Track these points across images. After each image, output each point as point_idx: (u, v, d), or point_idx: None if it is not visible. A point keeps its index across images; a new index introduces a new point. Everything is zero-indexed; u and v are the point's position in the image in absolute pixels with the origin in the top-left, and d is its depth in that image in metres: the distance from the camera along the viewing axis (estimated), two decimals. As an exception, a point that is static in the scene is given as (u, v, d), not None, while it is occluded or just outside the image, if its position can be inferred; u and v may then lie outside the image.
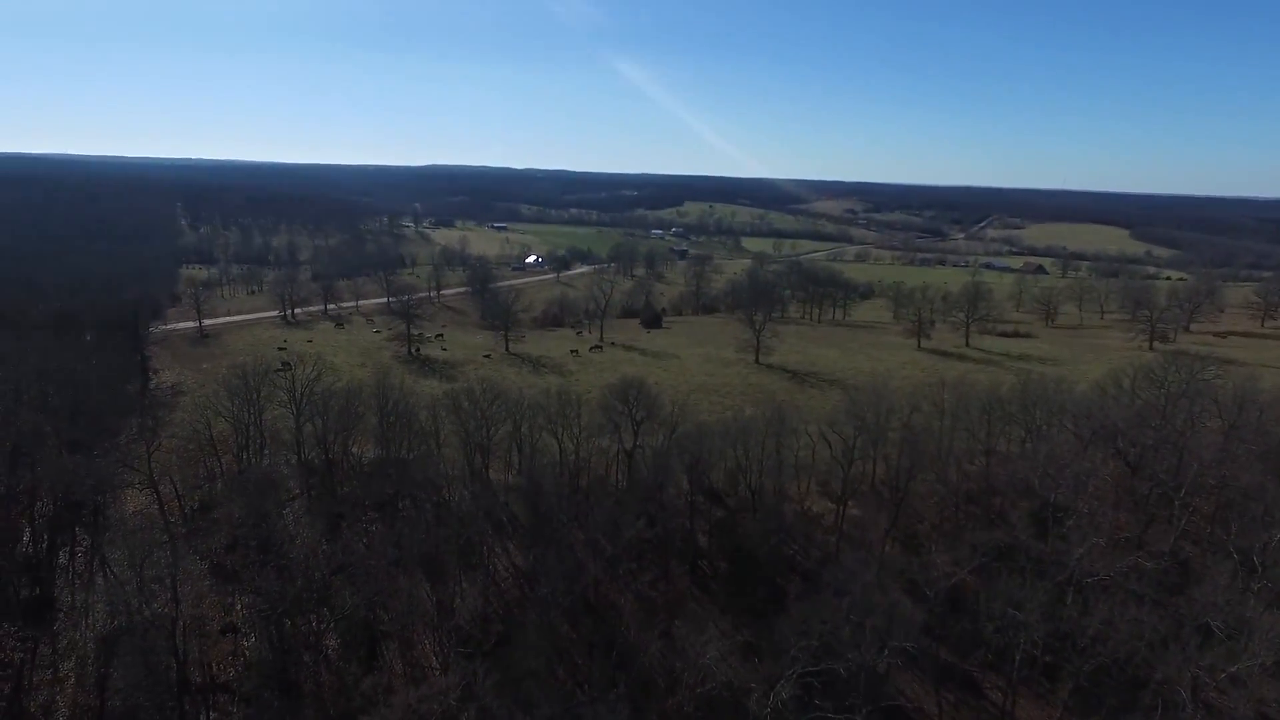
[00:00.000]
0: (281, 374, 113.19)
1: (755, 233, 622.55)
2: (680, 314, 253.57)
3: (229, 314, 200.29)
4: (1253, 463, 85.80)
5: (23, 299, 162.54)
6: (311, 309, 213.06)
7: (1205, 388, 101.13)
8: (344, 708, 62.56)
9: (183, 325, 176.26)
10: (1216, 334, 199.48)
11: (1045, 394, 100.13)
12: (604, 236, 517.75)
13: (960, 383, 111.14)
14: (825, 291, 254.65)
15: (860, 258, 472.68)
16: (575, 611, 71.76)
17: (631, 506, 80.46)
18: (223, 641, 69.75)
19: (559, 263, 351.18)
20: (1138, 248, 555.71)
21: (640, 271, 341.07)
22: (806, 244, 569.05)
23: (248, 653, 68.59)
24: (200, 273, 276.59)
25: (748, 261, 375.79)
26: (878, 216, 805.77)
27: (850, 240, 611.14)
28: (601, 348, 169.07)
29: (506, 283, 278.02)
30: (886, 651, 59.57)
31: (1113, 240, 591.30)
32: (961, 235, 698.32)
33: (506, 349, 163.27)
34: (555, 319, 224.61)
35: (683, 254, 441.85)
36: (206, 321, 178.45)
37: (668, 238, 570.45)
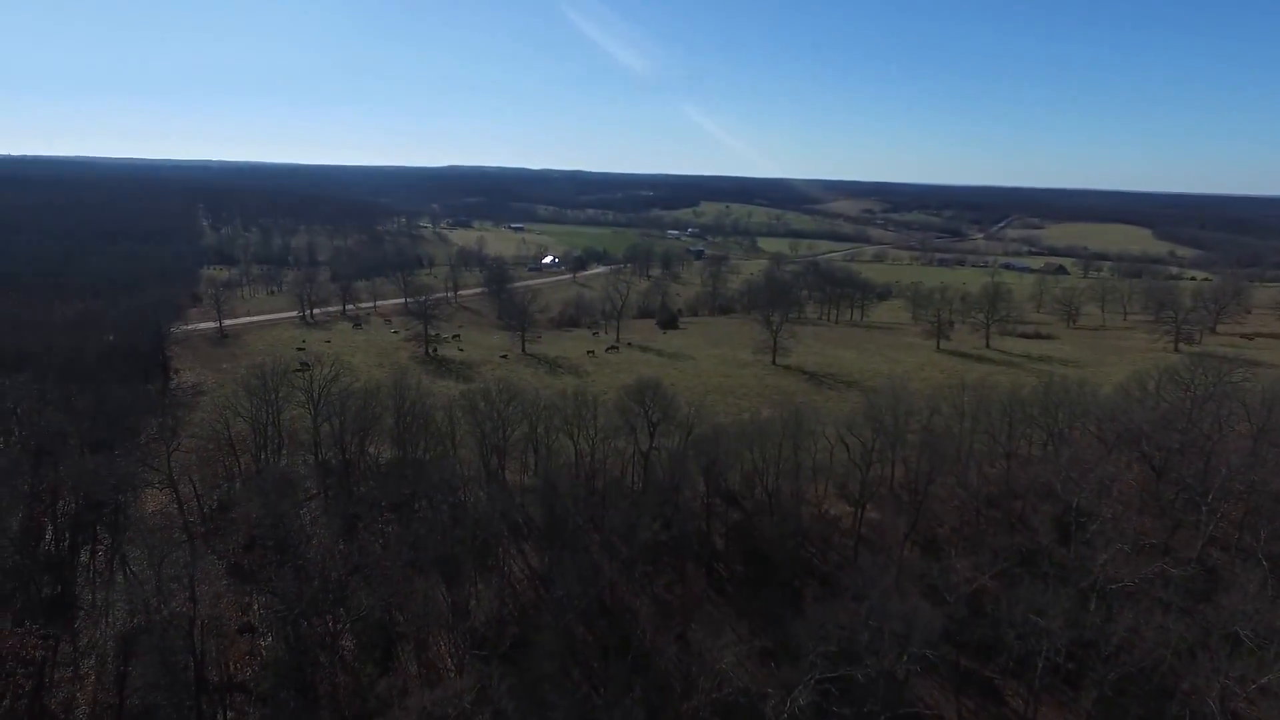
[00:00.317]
0: (300, 374, 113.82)
1: (772, 233, 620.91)
2: (696, 315, 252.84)
3: (249, 314, 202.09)
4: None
5: (47, 300, 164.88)
6: (330, 309, 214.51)
7: (1233, 390, 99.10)
8: (359, 709, 62.59)
9: (203, 325, 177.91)
10: (1243, 335, 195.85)
11: (1068, 396, 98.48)
12: (620, 237, 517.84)
13: (980, 384, 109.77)
14: (843, 292, 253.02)
15: (878, 258, 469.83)
16: (591, 614, 71.41)
17: (647, 508, 80.00)
18: (240, 641, 70.07)
19: (575, 263, 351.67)
20: (1160, 248, 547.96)
21: (656, 272, 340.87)
22: (823, 244, 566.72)
23: (264, 652, 68.85)
24: (221, 273, 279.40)
25: (764, 262, 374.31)
26: (896, 217, 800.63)
27: (868, 240, 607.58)
28: (618, 348, 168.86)
29: (523, 283, 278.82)
30: (905, 657, 58.78)
31: (1135, 240, 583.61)
32: (981, 235, 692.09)
33: (523, 349, 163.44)
34: (571, 319, 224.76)
35: (699, 254, 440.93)
36: (227, 322, 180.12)
37: (684, 238, 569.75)
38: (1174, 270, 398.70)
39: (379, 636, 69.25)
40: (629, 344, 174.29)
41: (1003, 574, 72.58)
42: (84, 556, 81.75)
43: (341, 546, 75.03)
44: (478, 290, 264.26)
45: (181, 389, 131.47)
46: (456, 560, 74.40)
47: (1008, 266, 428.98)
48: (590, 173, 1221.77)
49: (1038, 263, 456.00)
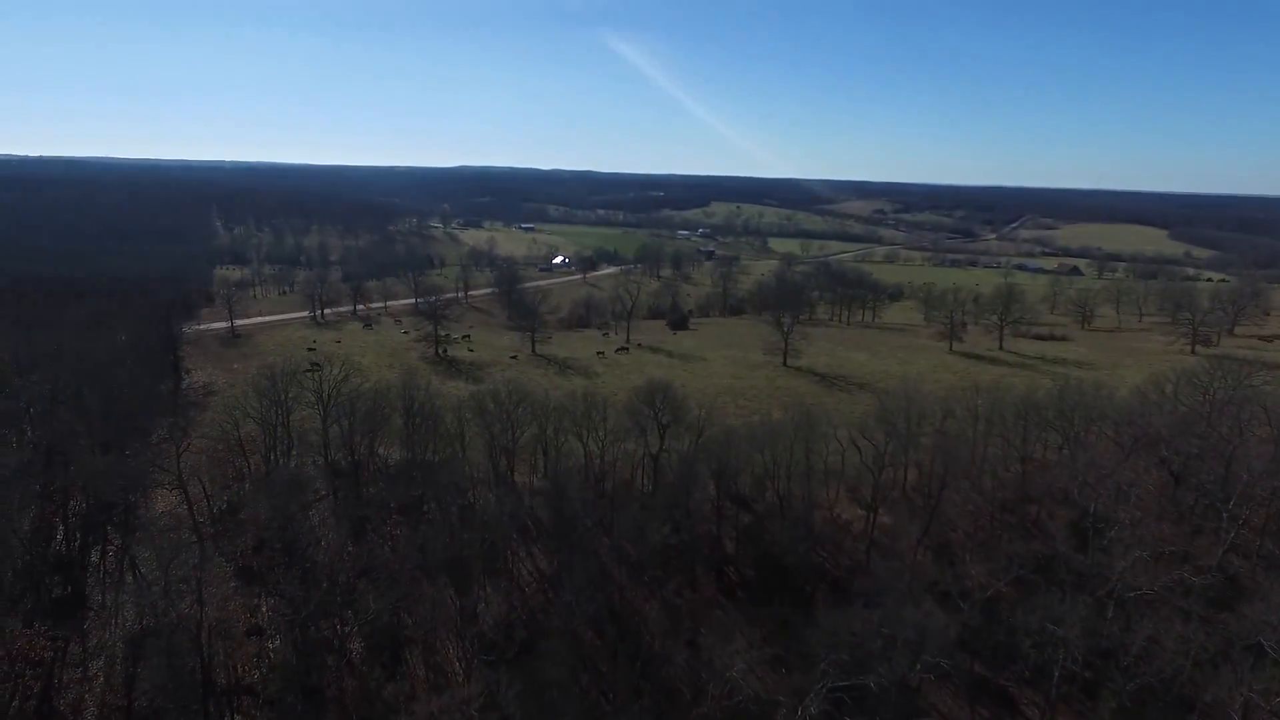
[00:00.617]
0: (310, 375, 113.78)
1: (782, 233, 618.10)
2: (707, 315, 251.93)
3: (260, 314, 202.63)
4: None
5: (60, 300, 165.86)
6: (341, 309, 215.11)
7: (1253, 394, 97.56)
8: (366, 714, 62.24)
9: (215, 325, 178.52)
10: (1262, 338, 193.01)
11: (1083, 399, 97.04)
12: (630, 237, 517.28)
13: (994, 387, 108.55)
14: (854, 293, 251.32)
15: (889, 259, 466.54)
16: (600, 619, 70.77)
17: (657, 512, 79.38)
18: (247, 644, 69.81)
19: (586, 263, 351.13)
20: (1176, 248, 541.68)
21: (667, 272, 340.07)
22: (834, 245, 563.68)
23: (272, 655, 68.56)
24: (234, 273, 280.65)
25: (775, 262, 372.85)
26: (907, 217, 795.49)
27: (879, 241, 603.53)
28: (628, 349, 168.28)
29: (533, 283, 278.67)
30: (919, 665, 57.83)
31: (1150, 241, 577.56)
32: (993, 236, 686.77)
33: (533, 350, 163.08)
34: (582, 320, 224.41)
35: (709, 255, 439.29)
36: (238, 321, 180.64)
37: (694, 238, 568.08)
38: (1190, 271, 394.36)
39: (387, 640, 68.85)
40: (639, 345, 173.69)
41: (1018, 581, 71.38)
42: (94, 557, 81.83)
43: (350, 549, 74.86)
44: (488, 291, 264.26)
45: (193, 389, 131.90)
46: (465, 563, 73.96)
47: (1020, 267, 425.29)
48: (601, 173, 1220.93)
49: (1051, 263, 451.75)
